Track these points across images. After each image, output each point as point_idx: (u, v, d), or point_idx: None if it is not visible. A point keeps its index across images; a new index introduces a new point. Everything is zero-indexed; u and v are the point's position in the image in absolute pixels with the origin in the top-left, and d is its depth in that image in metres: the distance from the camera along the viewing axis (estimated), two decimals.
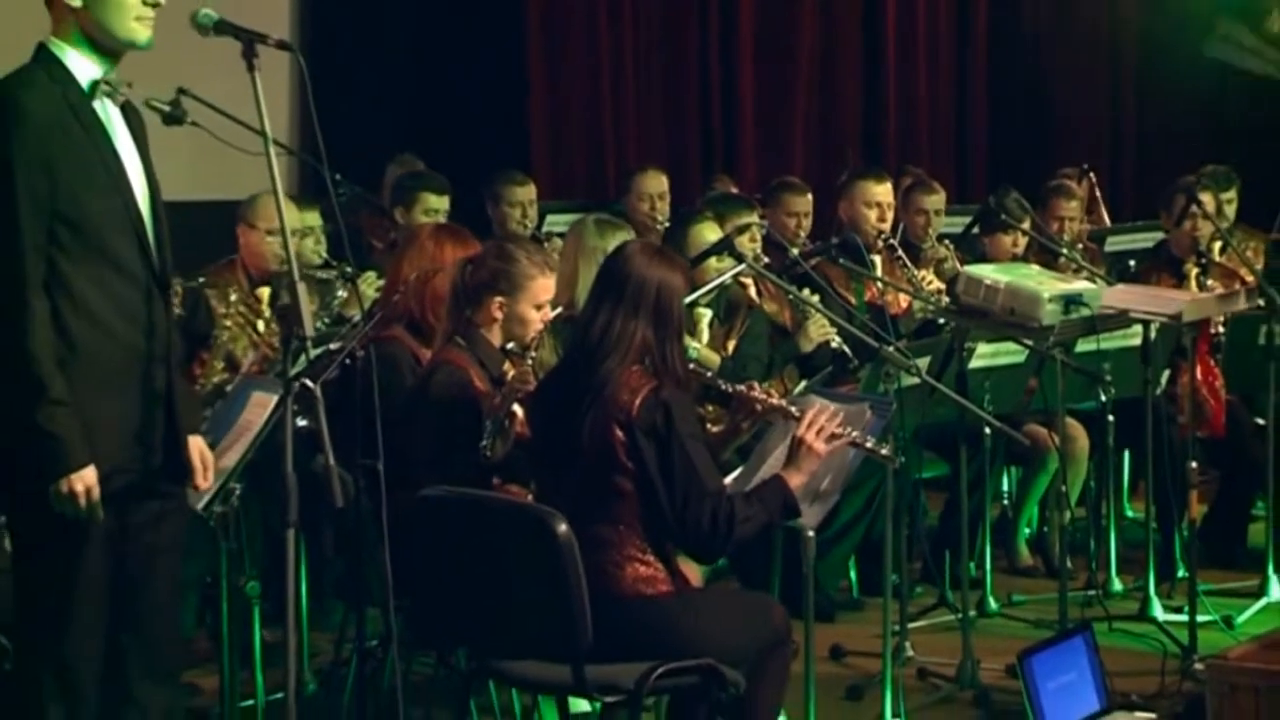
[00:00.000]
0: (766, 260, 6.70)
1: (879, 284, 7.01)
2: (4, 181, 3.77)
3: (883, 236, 7.18)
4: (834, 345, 6.54)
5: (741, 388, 4.70)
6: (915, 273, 7.09)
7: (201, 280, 6.09)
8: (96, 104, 3.90)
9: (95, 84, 3.90)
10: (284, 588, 3.93)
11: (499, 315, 4.96)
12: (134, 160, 3.96)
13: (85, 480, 3.77)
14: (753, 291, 6.73)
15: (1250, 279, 6.97)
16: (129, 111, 3.98)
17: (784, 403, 4.68)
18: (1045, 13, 12.53)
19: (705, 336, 6.37)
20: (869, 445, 4.58)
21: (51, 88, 3.85)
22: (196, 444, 4.12)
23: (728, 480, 4.66)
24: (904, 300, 7.07)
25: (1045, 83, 12.53)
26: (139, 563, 3.98)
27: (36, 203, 3.77)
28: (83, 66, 3.89)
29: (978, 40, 12.47)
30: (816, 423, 4.44)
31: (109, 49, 3.90)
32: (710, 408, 4.97)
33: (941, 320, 6.58)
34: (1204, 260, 7.38)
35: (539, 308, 5.00)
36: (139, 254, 3.92)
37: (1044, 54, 12.55)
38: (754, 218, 6.90)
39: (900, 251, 7.17)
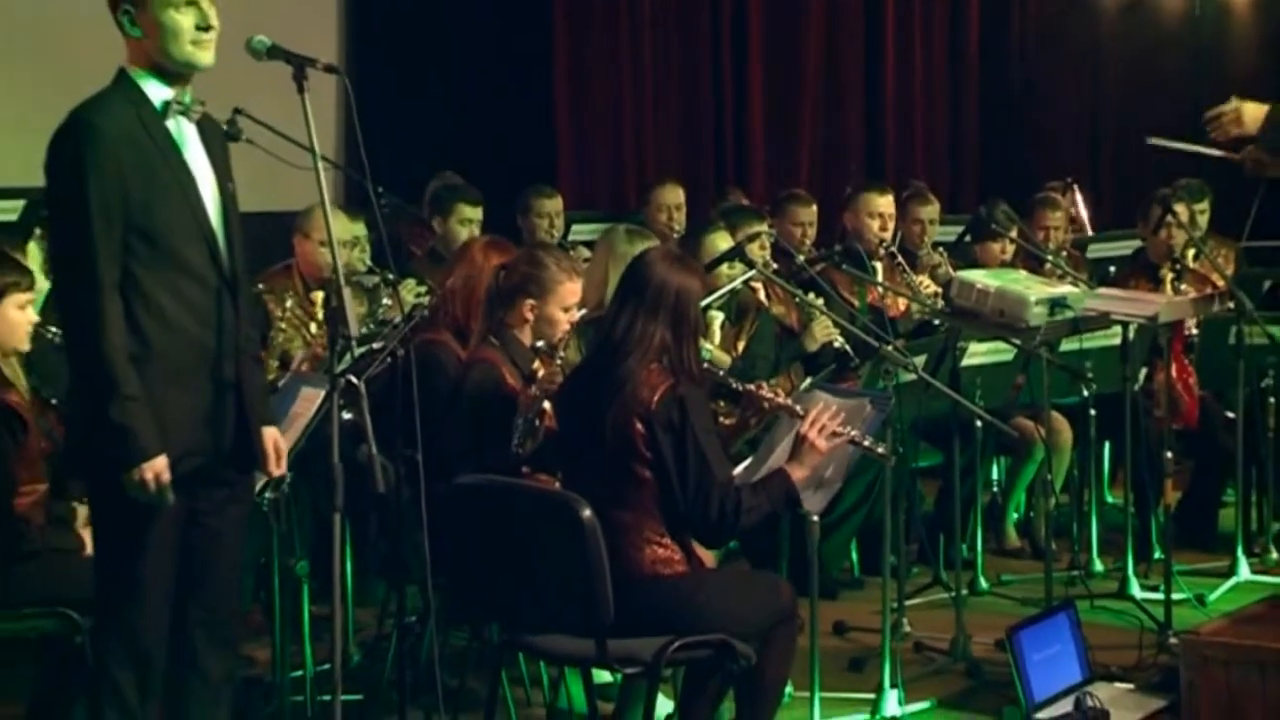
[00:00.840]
0: (775, 266, 6.67)
1: (880, 288, 6.99)
2: (79, 195, 3.76)
3: (884, 244, 7.16)
4: (837, 345, 6.52)
5: (750, 387, 4.70)
6: (913, 278, 7.07)
7: (261, 286, 6.11)
8: (170, 122, 3.89)
9: (167, 104, 3.89)
10: (330, 567, 3.95)
11: (530, 316, 4.98)
12: (206, 172, 3.94)
13: (155, 468, 3.76)
14: (762, 295, 6.70)
15: (1221, 284, 6.96)
16: (206, 127, 3.97)
17: (789, 401, 4.66)
18: (1031, 39, 12.55)
19: (717, 338, 6.35)
20: (866, 444, 4.57)
21: (126, 108, 3.85)
22: (271, 434, 4.12)
23: (738, 470, 4.65)
24: (902, 303, 7.05)
25: (1032, 103, 12.54)
26: (206, 543, 3.98)
27: (110, 214, 3.76)
28: (155, 89, 3.89)
29: (969, 63, 12.46)
30: (819, 421, 4.44)
31: (173, 72, 3.88)
32: (722, 403, 4.96)
33: (936, 321, 6.58)
34: (1178, 266, 7.36)
35: (566, 309, 5.02)
36: (209, 259, 3.91)
37: (1031, 76, 12.58)
38: (764, 227, 6.87)
39: (900, 258, 7.15)
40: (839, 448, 4.51)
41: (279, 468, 4.15)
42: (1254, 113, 5.25)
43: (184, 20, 3.83)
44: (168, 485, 3.78)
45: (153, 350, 3.82)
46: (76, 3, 7.95)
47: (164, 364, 3.83)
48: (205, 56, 3.88)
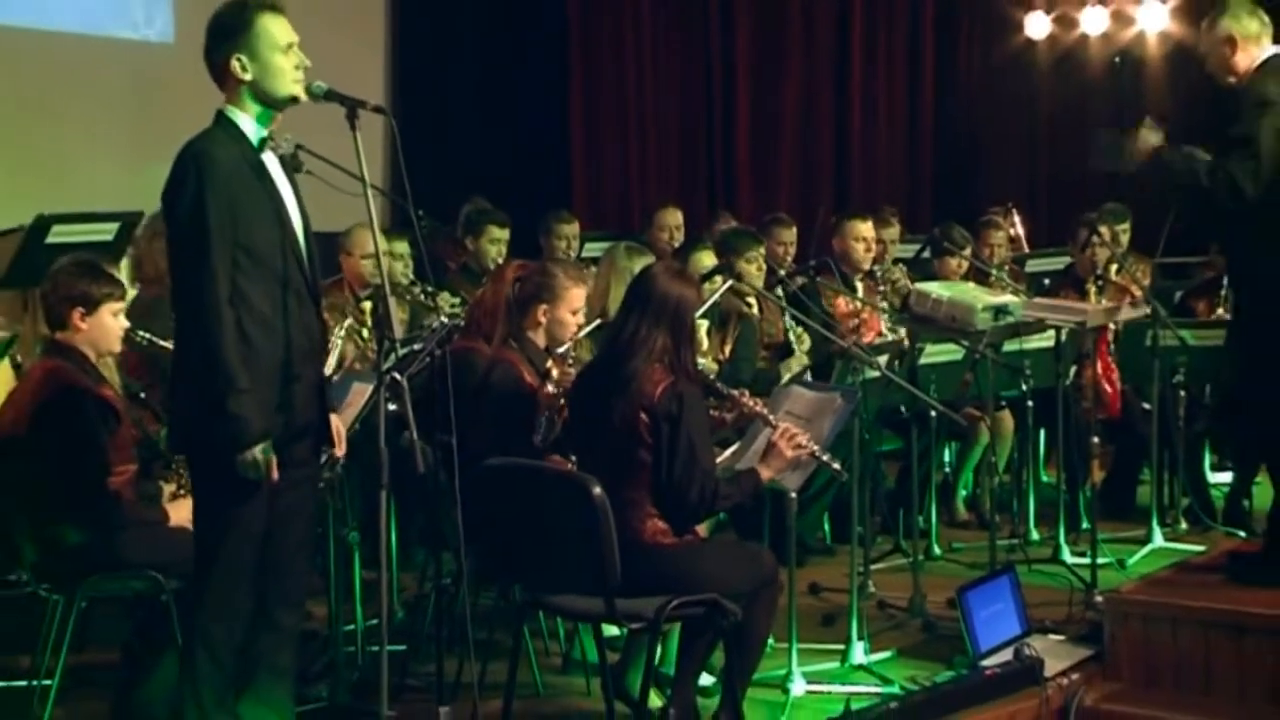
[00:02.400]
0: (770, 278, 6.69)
1: (859, 301, 6.97)
2: (199, 219, 3.77)
3: (875, 263, 7.17)
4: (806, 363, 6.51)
5: (734, 393, 4.69)
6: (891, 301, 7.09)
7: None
8: (264, 156, 3.90)
9: (263, 141, 3.91)
10: (378, 537, 3.92)
11: (543, 320, 4.98)
12: (291, 197, 3.95)
13: (264, 450, 3.77)
14: (756, 309, 6.66)
15: (1138, 294, 6.96)
16: (285, 160, 3.97)
17: (764, 410, 4.64)
18: (977, 84, 12.62)
19: (705, 344, 6.31)
20: (824, 459, 4.54)
21: (230, 143, 3.86)
22: (336, 420, 4.15)
23: (725, 455, 4.65)
24: (876, 323, 7.00)
25: (978, 139, 12.60)
26: (284, 517, 3.97)
27: (223, 235, 3.77)
28: (251, 127, 3.90)
29: (924, 104, 12.49)
30: (787, 434, 4.44)
31: (274, 104, 3.90)
32: (711, 400, 4.94)
33: (899, 333, 6.59)
34: (1100, 280, 7.36)
35: (574, 313, 5.02)
36: (298, 272, 3.91)
37: (977, 116, 12.64)
38: (760, 249, 6.84)
39: (878, 278, 7.18)
40: (803, 456, 4.48)
41: (341, 448, 4.17)
42: (1151, 138, 5.22)
43: (285, 61, 3.88)
44: (273, 463, 3.79)
45: (256, 350, 3.81)
46: (162, 59, 7.98)
47: (265, 362, 3.83)
48: (301, 91, 3.91)
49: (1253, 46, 5.05)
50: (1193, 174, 5.05)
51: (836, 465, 4.64)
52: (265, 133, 3.91)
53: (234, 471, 3.78)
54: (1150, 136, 5.21)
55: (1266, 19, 5.08)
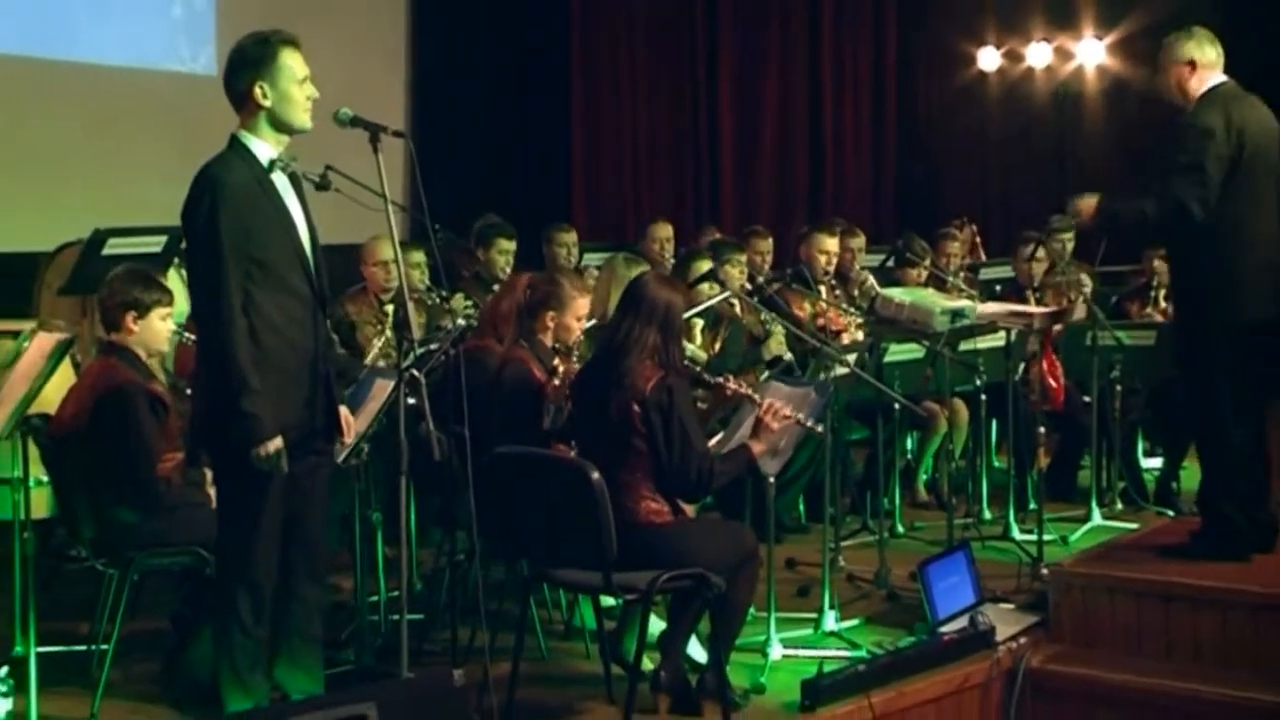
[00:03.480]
0: (749, 286, 6.65)
1: (824, 303, 6.95)
2: (212, 236, 3.74)
3: (828, 273, 7.12)
4: (786, 358, 6.46)
5: (720, 380, 4.68)
6: (847, 302, 7.06)
7: (349, 306, 6.16)
8: (274, 175, 3.86)
9: (272, 162, 3.87)
10: (399, 517, 3.88)
11: (550, 324, 4.97)
12: (299, 213, 3.91)
13: (275, 445, 3.74)
14: (738, 309, 6.65)
15: (1075, 301, 6.98)
16: (294, 179, 3.94)
17: (750, 391, 4.63)
18: (935, 113, 12.61)
19: (698, 340, 6.31)
20: (808, 424, 4.53)
21: (242, 165, 3.82)
22: (344, 411, 4.12)
23: (712, 442, 4.63)
24: (840, 320, 6.99)
25: (936, 160, 12.61)
26: (303, 499, 3.94)
27: (235, 250, 3.74)
28: (262, 150, 3.86)
29: (888, 130, 12.47)
30: (772, 408, 4.42)
31: (286, 130, 3.87)
32: (700, 391, 4.92)
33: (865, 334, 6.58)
34: (1040, 289, 7.36)
35: (578, 318, 5.01)
36: (305, 283, 3.88)
37: (935, 141, 12.65)
38: (744, 257, 6.83)
39: (850, 281, 7.16)
40: (788, 428, 4.47)
41: (349, 436, 4.17)
42: (1089, 202, 5.24)
43: (300, 93, 3.85)
44: (283, 456, 3.76)
45: (268, 354, 3.78)
46: (206, 90, 7.97)
47: (276, 364, 3.80)
48: (309, 120, 3.89)
49: (1206, 72, 5.04)
50: (1140, 213, 5.06)
51: (819, 429, 4.65)
52: (275, 154, 3.87)
53: (251, 464, 3.75)
54: (1087, 201, 5.22)
55: (1221, 50, 5.07)
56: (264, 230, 3.79)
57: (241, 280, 3.74)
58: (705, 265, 6.38)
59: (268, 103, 3.83)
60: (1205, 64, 5.04)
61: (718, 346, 6.41)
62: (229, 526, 3.92)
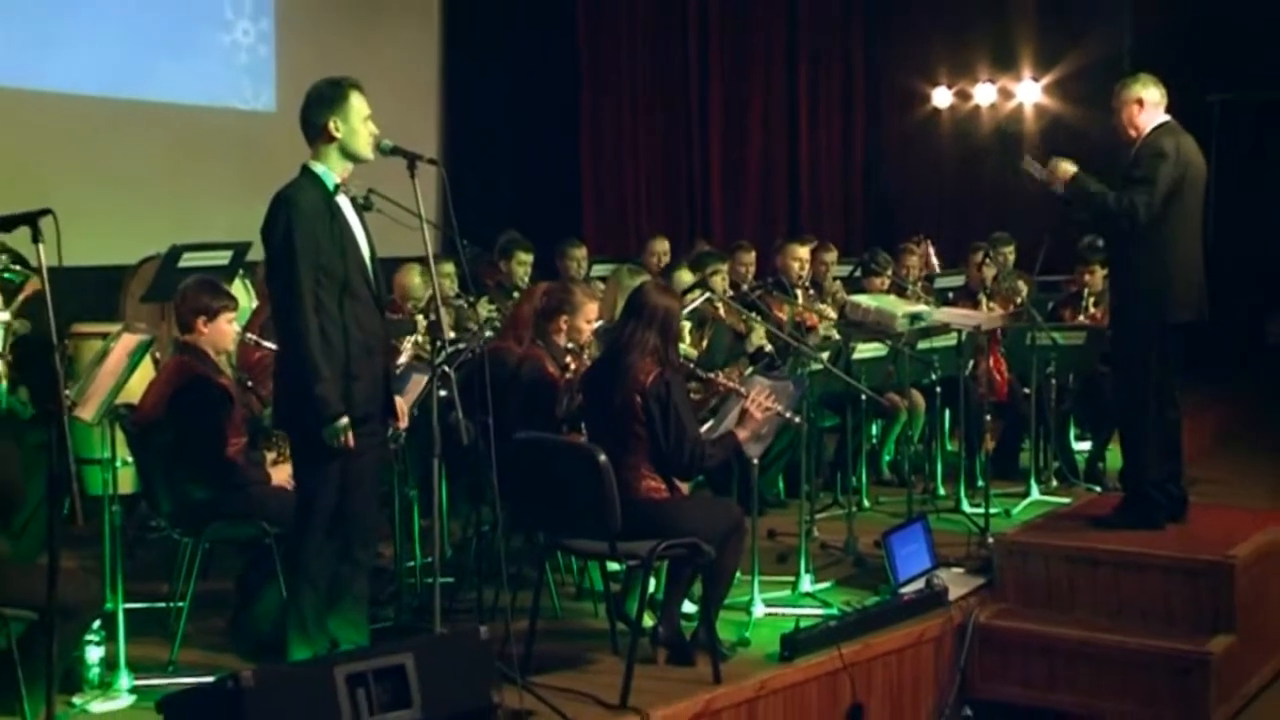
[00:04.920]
0: (731, 292, 6.63)
1: (800, 307, 6.94)
2: (289, 249, 3.76)
3: (801, 279, 7.10)
4: (767, 349, 6.45)
5: (710, 375, 4.67)
6: (820, 305, 7.04)
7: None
8: (338, 198, 3.88)
9: (337, 186, 3.88)
10: (432, 493, 3.88)
11: (564, 327, 4.94)
12: (360, 231, 3.93)
13: (344, 424, 3.76)
14: (722, 311, 6.63)
15: (1019, 304, 6.96)
16: (355, 201, 3.95)
17: (736, 385, 4.62)
18: (895, 141, 12.65)
19: (687, 339, 6.29)
20: (787, 415, 4.53)
21: (313, 190, 3.84)
22: (400, 401, 4.15)
23: (703, 429, 4.60)
24: (814, 318, 6.98)
25: (896, 184, 12.63)
26: (359, 475, 3.93)
27: (307, 261, 3.76)
28: (330, 176, 3.88)
29: (855, 156, 12.49)
30: (756, 400, 4.41)
31: (353, 159, 3.90)
32: (692, 384, 4.91)
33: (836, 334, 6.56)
34: (991, 292, 7.33)
35: (589, 322, 4.99)
36: (365, 288, 3.88)
37: (896, 166, 12.67)
38: (724, 265, 6.81)
39: (812, 288, 7.13)
40: (769, 418, 4.46)
41: (404, 422, 4.17)
42: (1066, 168, 5.21)
43: (365, 129, 3.90)
44: (349, 433, 3.77)
45: (334, 348, 3.79)
46: (266, 125, 7.96)
47: (340, 357, 3.80)
48: (371, 153, 3.92)
49: (1152, 110, 5.14)
50: (1104, 195, 5.09)
51: (797, 419, 4.66)
52: (338, 180, 3.89)
53: (322, 441, 3.76)
54: (1067, 165, 5.21)
55: (1164, 91, 5.16)
56: (331, 244, 3.81)
57: (312, 286, 3.76)
58: (688, 275, 6.40)
59: (339, 135, 3.86)
60: (1151, 103, 5.14)
61: (704, 344, 6.39)
62: (304, 497, 3.91)
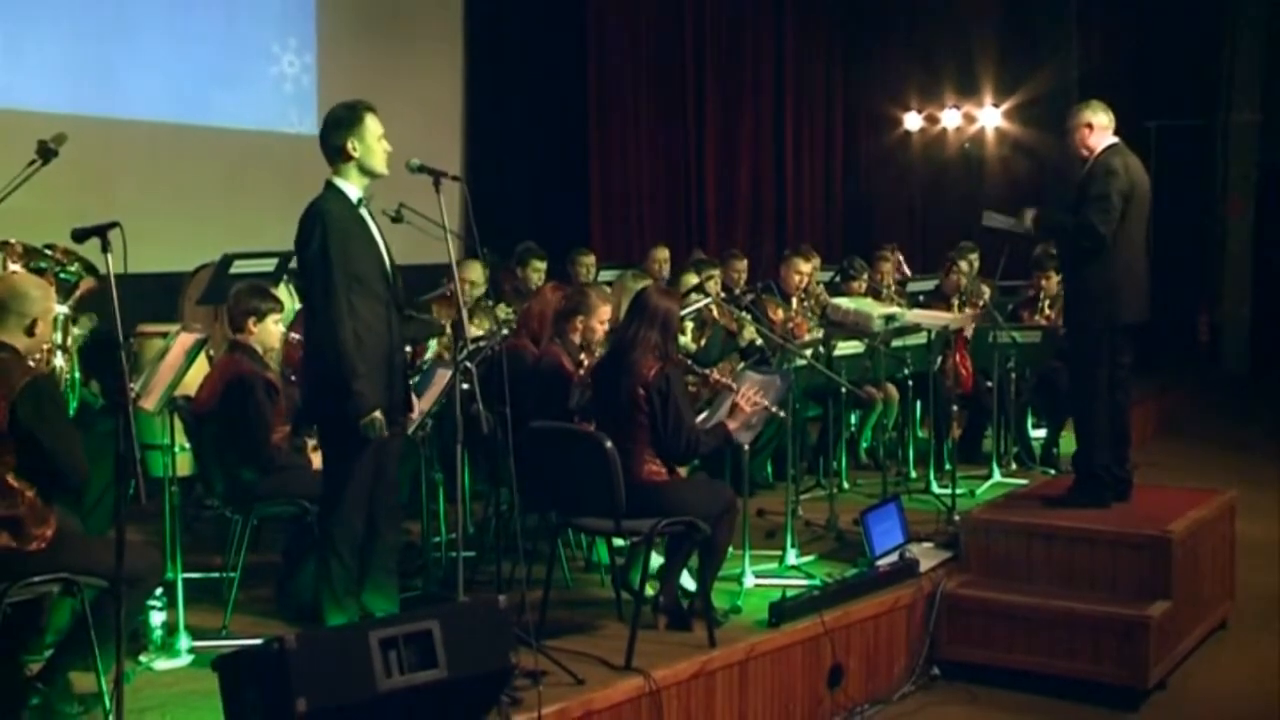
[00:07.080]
0: (724, 295, 6.60)
1: (794, 313, 6.89)
2: (325, 257, 3.72)
3: (798, 289, 7.05)
4: (758, 343, 6.41)
5: (706, 371, 4.65)
6: (814, 311, 7.02)
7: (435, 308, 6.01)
8: (362, 210, 3.84)
9: (360, 200, 3.84)
10: (455, 477, 3.84)
11: (580, 327, 4.91)
12: (381, 240, 3.88)
13: (378, 415, 3.73)
14: (716, 313, 6.60)
15: (982, 307, 6.92)
16: (374, 214, 3.91)
17: (729, 381, 4.59)
18: (872, 158, 12.67)
19: (688, 335, 6.26)
20: (774, 410, 4.51)
21: (339, 202, 3.80)
22: (414, 398, 4.11)
23: (699, 419, 4.59)
24: (804, 326, 6.93)
25: (872, 198, 12.64)
26: (384, 460, 3.90)
27: (341, 268, 3.72)
28: (351, 190, 3.84)
29: (836, 172, 12.50)
30: (746, 395, 4.40)
31: (369, 175, 3.86)
32: (690, 378, 4.89)
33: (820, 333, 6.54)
34: (962, 297, 7.29)
35: (602, 323, 4.95)
36: (388, 292, 3.84)
37: (871, 183, 12.68)
38: (716, 271, 6.78)
39: (807, 294, 7.09)
40: (758, 410, 4.44)
41: (415, 414, 4.15)
42: (1029, 212, 5.25)
43: (379, 146, 3.86)
44: (383, 423, 3.74)
45: (366, 347, 3.75)
46: (309, 147, 7.92)
47: (370, 354, 3.77)
48: (386, 169, 3.89)
49: (1102, 132, 5.13)
50: (1064, 225, 5.11)
51: (782, 414, 4.63)
52: (360, 194, 3.86)
53: (356, 432, 3.72)
54: (1029, 212, 5.22)
55: (1113, 115, 5.15)
56: (359, 252, 3.77)
57: (346, 291, 3.72)
58: (690, 279, 6.36)
59: (357, 154, 3.82)
60: (1100, 126, 5.13)
61: (703, 341, 6.37)
62: (332, 482, 3.87)
